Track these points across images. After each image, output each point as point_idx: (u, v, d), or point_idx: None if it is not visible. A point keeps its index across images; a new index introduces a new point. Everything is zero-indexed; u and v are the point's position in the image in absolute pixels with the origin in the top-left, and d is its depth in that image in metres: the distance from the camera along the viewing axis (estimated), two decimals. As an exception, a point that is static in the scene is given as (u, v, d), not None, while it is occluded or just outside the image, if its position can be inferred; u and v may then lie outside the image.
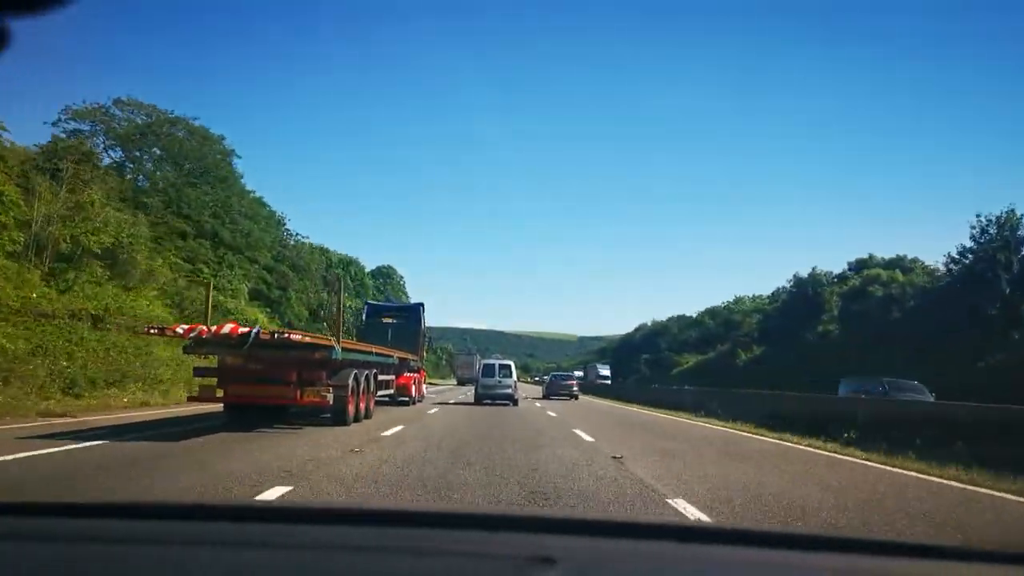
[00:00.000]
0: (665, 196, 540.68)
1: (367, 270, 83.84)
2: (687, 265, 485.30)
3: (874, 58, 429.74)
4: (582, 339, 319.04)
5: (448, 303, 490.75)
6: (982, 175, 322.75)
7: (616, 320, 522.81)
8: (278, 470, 8.18)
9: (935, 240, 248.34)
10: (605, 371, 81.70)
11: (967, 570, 1.54)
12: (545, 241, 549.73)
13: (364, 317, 28.57)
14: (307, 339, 13.67)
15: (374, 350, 18.38)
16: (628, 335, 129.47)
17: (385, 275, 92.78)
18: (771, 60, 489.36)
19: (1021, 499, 8.19)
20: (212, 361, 14.36)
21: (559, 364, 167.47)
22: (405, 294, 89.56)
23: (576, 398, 42.40)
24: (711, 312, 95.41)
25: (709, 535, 1.69)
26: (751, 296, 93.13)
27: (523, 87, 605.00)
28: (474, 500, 6.85)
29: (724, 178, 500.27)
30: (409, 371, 24.43)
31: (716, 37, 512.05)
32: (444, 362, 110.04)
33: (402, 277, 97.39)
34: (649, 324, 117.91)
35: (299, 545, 1.47)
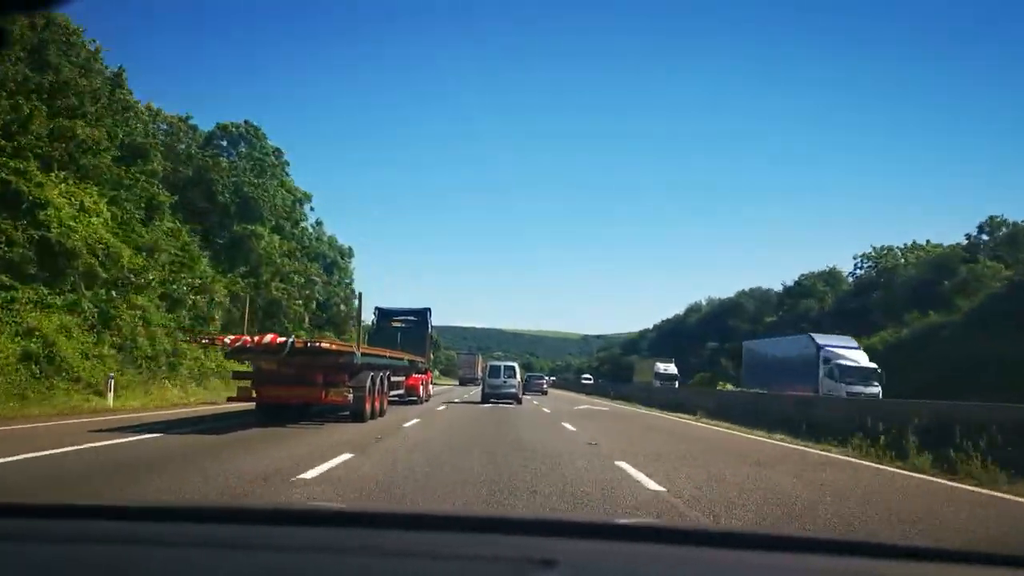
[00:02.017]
0: (667, 194, 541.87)
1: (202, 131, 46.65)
2: (692, 264, 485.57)
3: (879, 57, 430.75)
4: (586, 337, 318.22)
5: (447, 301, 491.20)
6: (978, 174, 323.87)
7: (620, 319, 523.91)
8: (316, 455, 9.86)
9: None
10: (864, 357, 32.46)
11: (966, 572, 1.54)
12: (546, 239, 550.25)
13: (375, 321, 30.45)
14: (334, 346, 15.68)
15: (387, 354, 20.21)
16: (674, 319, 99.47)
17: (243, 137, 49.48)
18: (771, 60, 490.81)
19: None
20: (247, 366, 16.39)
21: (568, 363, 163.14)
22: (296, 195, 52.45)
23: (545, 393, 45.26)
24: (828, 276, 67.43)
25: (709, 538, 1.71)
26: (904, 245, 61.80)
27: (524, 87, 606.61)
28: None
29: (726, 178, 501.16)
30: (417, 372, 26.32)
31: (717, 37, 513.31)
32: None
33: (287, 163, 52.31)
34: (704, 303, 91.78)
35: (299, 547, 1.49)
